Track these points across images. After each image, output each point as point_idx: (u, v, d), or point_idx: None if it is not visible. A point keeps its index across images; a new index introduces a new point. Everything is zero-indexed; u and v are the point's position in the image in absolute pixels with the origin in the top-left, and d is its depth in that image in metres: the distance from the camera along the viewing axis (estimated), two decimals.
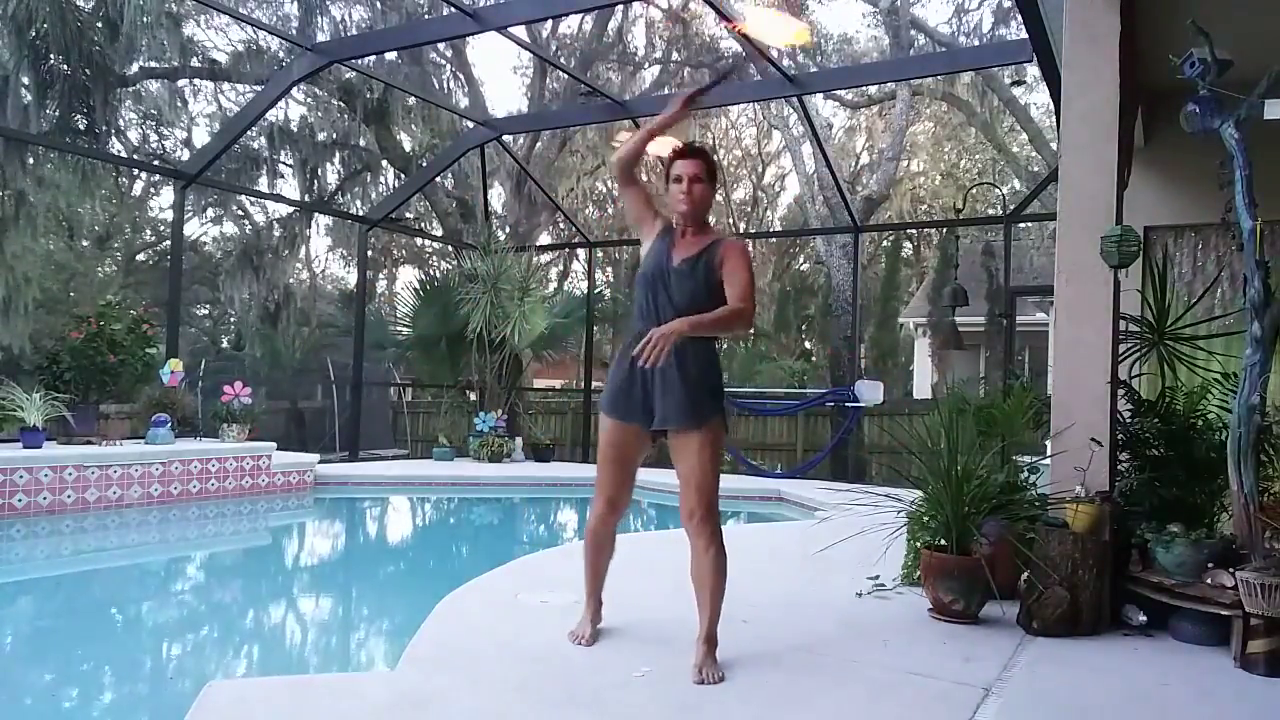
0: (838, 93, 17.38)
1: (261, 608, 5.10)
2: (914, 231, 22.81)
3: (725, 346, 18.53)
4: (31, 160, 12.59)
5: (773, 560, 4.80)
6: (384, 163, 16.41)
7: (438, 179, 14.48)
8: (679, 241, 2.97)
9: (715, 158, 3.13)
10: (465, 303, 10.48)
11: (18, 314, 12.01)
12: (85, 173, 13.52)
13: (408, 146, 16.24)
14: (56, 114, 12.61)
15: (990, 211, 18.34)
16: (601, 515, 3.08)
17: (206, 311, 20.92)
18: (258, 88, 13.09)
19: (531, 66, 16.85)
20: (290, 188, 16.37)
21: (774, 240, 23.10)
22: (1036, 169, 17.36)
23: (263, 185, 15.33)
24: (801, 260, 23.07)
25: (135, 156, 15.39)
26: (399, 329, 12.31)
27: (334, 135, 15.89)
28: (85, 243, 17.29)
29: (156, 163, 15.53)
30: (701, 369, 2.88)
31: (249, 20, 13.18)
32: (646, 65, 17.69)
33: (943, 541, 3.56)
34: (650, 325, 2.74)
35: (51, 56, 11.95)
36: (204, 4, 9.90)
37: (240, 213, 18.35)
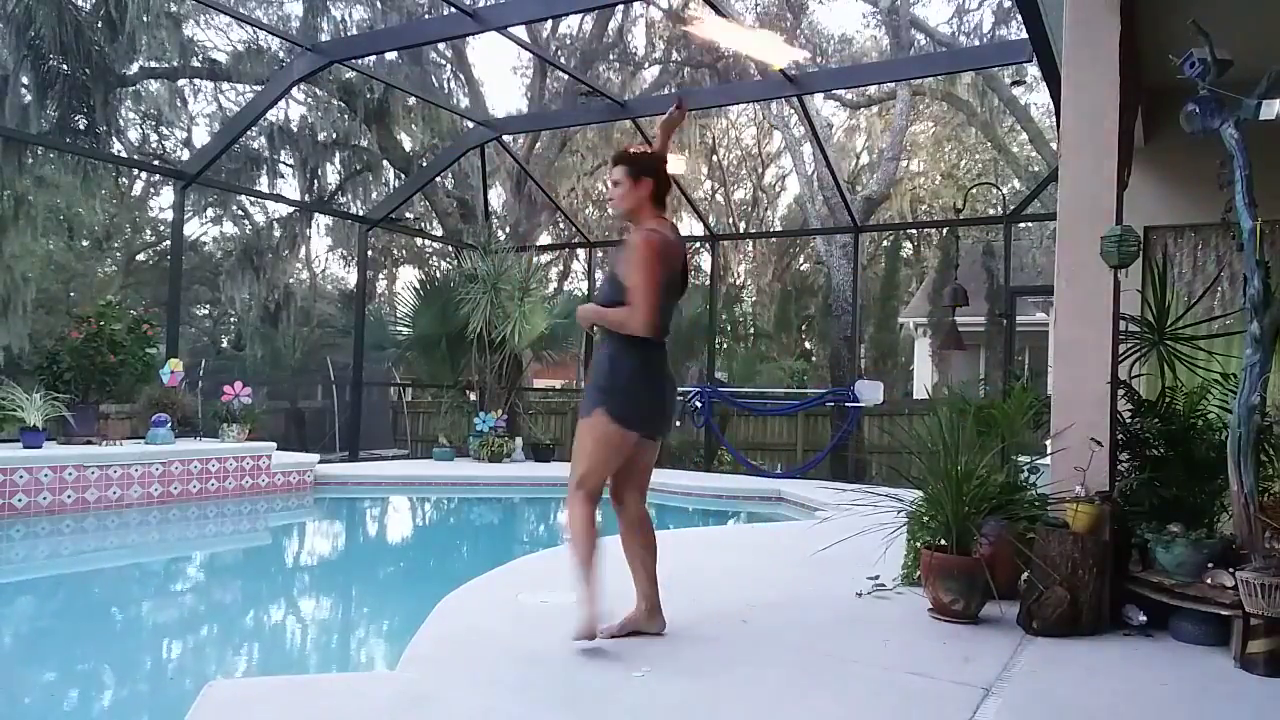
0: (838, 93, 17.39)
1: (261, 608, 5.10)
2: (914, 231, 22.81)
3: (725, 346, 18.53)
4: (31, 160, 12.60)
5: (773, 560, 4.80)
6: (384, 163, 16.41)
7: (438, 179, 14.48)
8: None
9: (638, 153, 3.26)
10: (465, 303, 10.48)
11: (17, 314, 12.01)
12: (85, 173, 13.52)
13: (408, 146, 16.24)
14: (56, 114, 12.61)
15: (990, 211, 18.33)
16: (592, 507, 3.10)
17: (206, 311, 20.92)
18: (258, 88, 13.09)
19: (531, 66, 16.85)
20: (290, 188, 16.39)
21: (774, 240, 23.10)
22: (1036, 169, 17.35)
23: (263, 185, 15.33)
24: (801, 260, 23.06)
25: (135, 156, 15.39)
26: (399, 329, 12.32)
27: (334, 135, 15.89)
28: (85, 243, 17.29)
29: (156, 163, 15.53)
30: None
31: (249, 20, 13.18)
32: (646, 65, 17.68)
33: (943, 541, 3.56)
34: (662, 350, 3.11)
35: (51, 56, 11.95)
36: (204, 4, 9.90)
37: (240, 213, 18.36)
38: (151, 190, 18.54)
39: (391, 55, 14.12)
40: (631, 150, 3.23)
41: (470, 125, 12.10)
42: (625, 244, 3.11)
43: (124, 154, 15.03)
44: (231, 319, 19.11)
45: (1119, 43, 3.62)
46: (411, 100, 15.02)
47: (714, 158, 22.05)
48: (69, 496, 6.47)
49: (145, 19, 12.48)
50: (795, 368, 17.44)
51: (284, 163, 15.94)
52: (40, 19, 11.55)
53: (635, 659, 2.89)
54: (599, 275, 17.30)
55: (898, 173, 18.40)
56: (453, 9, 7.62)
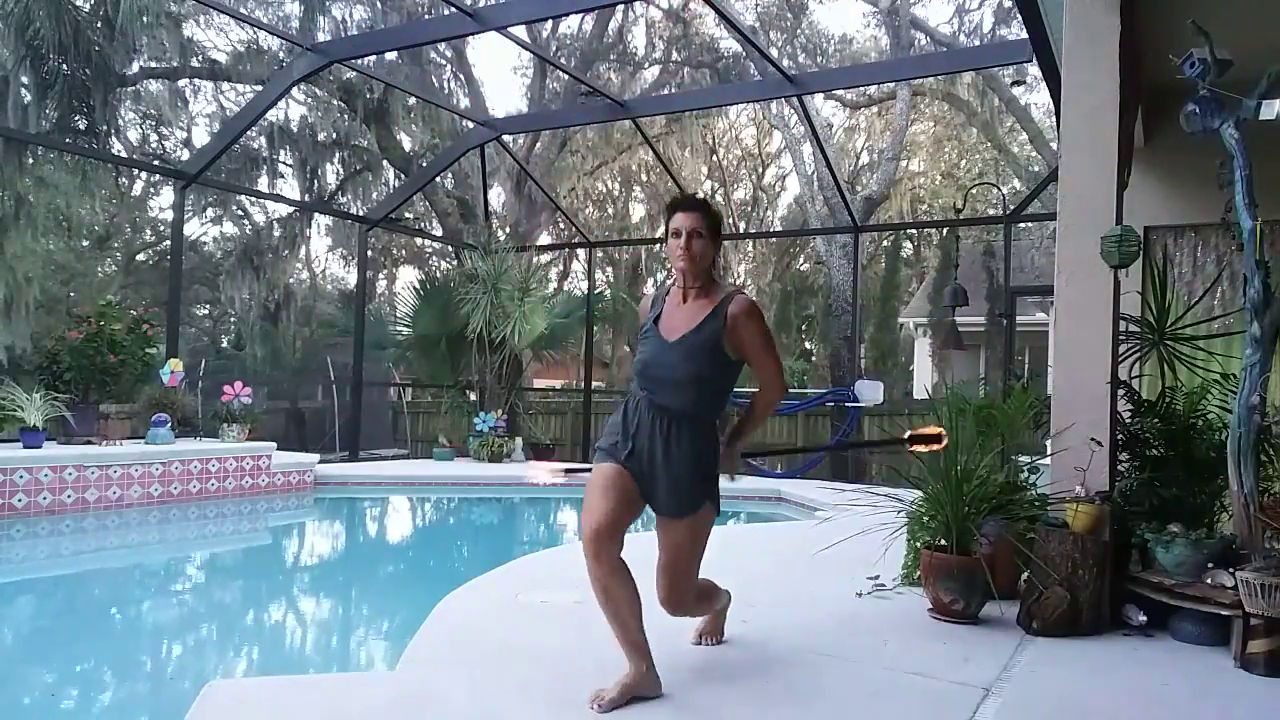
0: (838, 93, 17.39)
1: (261, 608, 5.10)
2: (914, 231, 22.82)
3: None
4: (31, 160, 12.60)
5: (773, 560, 4.80)
6: (384, 163, 16.42)
7: (438, 179, 14.47)
8: (676, 309, 2.72)
9: (720, 213, 2.86)
10: (465, 303, 10.49)
11: (18, 314, 12.01)
12: (85, 173, 13.52)
13: (408, 146, 16.25)
14: (56, 114, 12.61)
15: (990, 211, 18.34)
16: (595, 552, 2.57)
17: (206, 311, 20.94)
18: (258, 88, 13.10)
19: (531, 66, 16.86)
20: (290, 188, 16.40)
21: (774, 240, 23.10)
22: (1036, 169, 17.36)
23: (263, 185, 15.33)
24: (801, 260, 23.09)
25: (135, 156, 15.39)
26: (399, 329, 12.32)
27: (334, 135, 15.90)
28: (85, 243, 17.30)
29: (156, 163, 15.54)
30: (697, 454, 2.66)
31: (249, 20, 13.18)
32: (646, 65, 17.69)
33: (943, 541, 3.56)
34: (644, 406, 2.64)
35: (51, 56, 11.95)
36: (204, 4, 9.90)
37: (240, 213, 18.37)
38: (151, 190, 18.56)
39: (391, 55, 14.13)
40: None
41: (470, 125, 12.10)
42: (728, 311, 2.66)
43: (124, 154, 15.03)
44: (231, 319, 19.13)
45: (1119, 43, 3.62)
46: (411, 100, 15.02)
47: (714, 158, 22.05)
48: (69, 496, 6.47)
49: (145, 19, 12.48)
50: (795, 368, 17.44)
51: (284, 163, 15.95)
52: (39, 19, 11.55)
53: None
54: (599, 275, 17.32)
55: (898, 173, 18.40)
56: (453, 9, 7.62)
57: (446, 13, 8.14)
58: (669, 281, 2.82)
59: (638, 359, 2.76)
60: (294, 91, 13.49)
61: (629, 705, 2.49)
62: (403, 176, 15.85)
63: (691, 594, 2.82)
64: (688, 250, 2.67)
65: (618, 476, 2.63)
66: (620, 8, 15.30)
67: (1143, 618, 3.28)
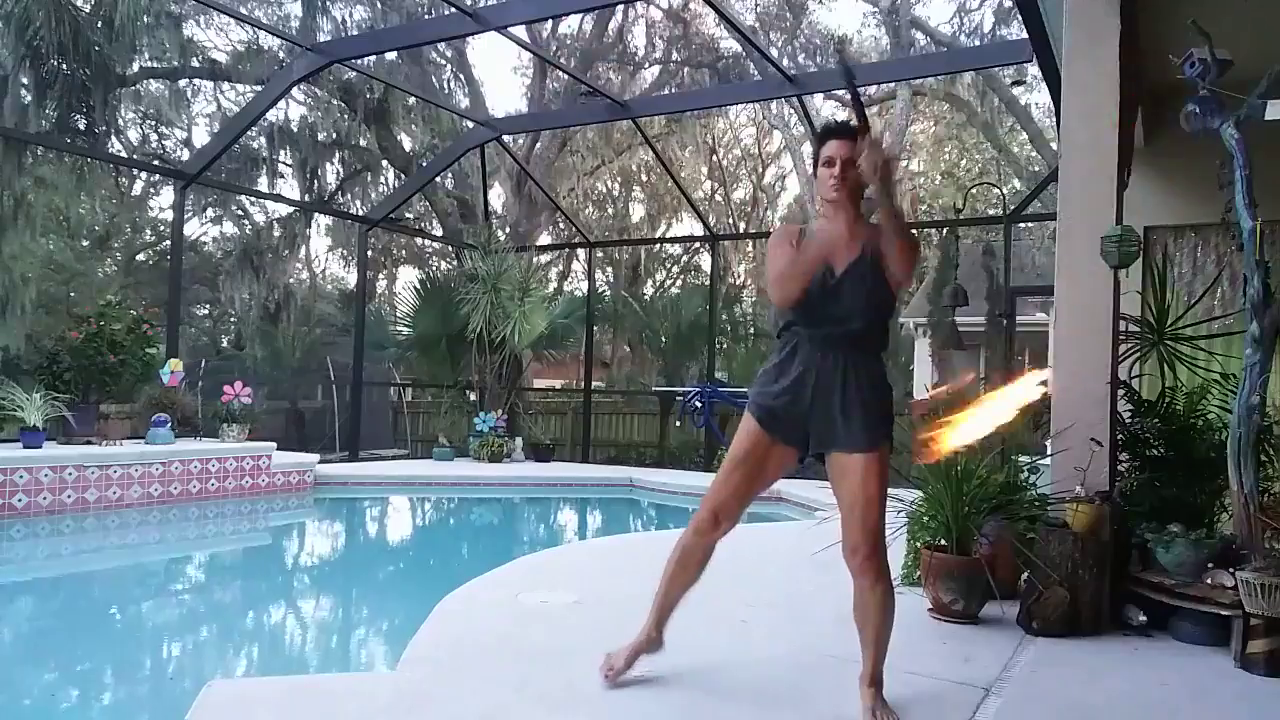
0: (838, 93, 17.36)
1: (261, 608, 5.10)
2: (914, 231, 22.79)
3: (724, 346, 18.54)
4: (31, 160, 12.60)
5: (772, 560, 4.80)
6: (384, 163, 16.42)
7: (438, 179, 14.47)
8: (839, 243, 2.48)
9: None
10: (465, 303, 10.49)
11: (16, 315, 12.01)
12: (84, 173, 13.52)
13: (408, 146, 16.25)
14: (56, 114, 12.61)
15: (990, 211, 18.32)
16: (701, 527, 2.63)
17: (206, 311, 20.90)
18: (258, 88, 13.10)
19: (531, 66, 16.86)
20: (290, 188, 16.39)
21: None
22: (1036, 169, 17.36)
23: (263, 185, 15.33)
24: None
25: (135, 156, 15.39)
26: (399, 329, 12.31)
27: (334, 135, 15.90)
28: (85, 243, 17.29)
29: (156, 163, 15.54)
30: (876, 385, 2.47)
31: (249, 20, 13.18)
32: (646, 65, 17.69)
33: (943, 541, 3.57)
34: (815, 347, 2.46)
35: (51, 57, 11.94)
36: (204, 4, 9.90)
37: (240, 213, 18.36)
38: (151, 190, 18.53)
39: (391, 55, 14.13)
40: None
41: (470, 125, 12.10)
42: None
43: (124, 154, 15.03)
44: (231, 319, 19.11)
45: (1119, 43, 3.62)
46: (411, 100, 15.02)
47: (714, 158, 22.05)
48: (69, 496, 6.47)
49: (145, 19, 12.48)
50: None
51: (284, 163, 15.95)
52: (39, 19, 11.55)
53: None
54: (599, 275, 17.30)
55: (898, 173, 18.38)
56: (453, 9, 7.62)
57: (446, 13, 8.15)
58: (811, 223, 2.62)
59: (808, 298, 2.44)
60: (294, 91, 13.49)
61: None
62: (403, 176, 15.86)
63: (878, 545, 2.48)
64: (843, 181, 2.42)
65: (758, 447, 2.51)
66: (620, 8, 15.30)
67: (1143, 618, 3.28)
